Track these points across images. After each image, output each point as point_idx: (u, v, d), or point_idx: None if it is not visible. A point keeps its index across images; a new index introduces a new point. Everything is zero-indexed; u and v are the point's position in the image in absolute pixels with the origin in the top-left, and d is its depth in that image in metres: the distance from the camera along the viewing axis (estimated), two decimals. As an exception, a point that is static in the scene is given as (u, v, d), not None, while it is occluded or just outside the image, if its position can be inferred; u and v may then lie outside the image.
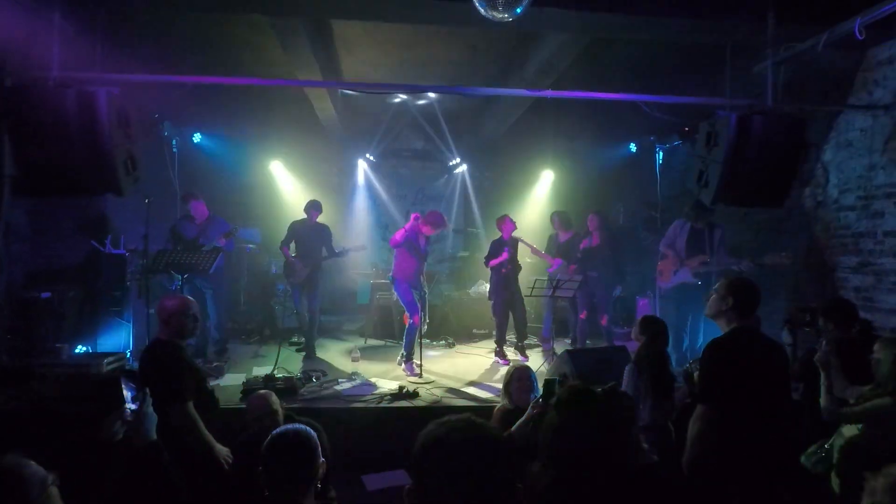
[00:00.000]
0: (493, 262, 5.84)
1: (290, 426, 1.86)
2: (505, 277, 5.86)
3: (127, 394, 1.78)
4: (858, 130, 4.57)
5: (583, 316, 5.99)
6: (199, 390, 2.83)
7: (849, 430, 2.84)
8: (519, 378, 3.03)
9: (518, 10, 2.53)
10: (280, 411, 2.81)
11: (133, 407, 1.77)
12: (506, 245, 5.87)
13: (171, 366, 2.69)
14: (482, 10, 2.57)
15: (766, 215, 5.53)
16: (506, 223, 5.91)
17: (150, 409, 1.78)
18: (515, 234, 5.96)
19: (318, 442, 1.79)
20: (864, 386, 2.90)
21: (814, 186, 5.01)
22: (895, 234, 4.21)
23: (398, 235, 5.19)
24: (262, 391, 2.93)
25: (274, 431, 1.85)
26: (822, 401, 2.83)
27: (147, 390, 1.81)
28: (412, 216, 5.19)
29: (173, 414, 2.57)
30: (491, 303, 6.06)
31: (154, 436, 1.78)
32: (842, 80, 4.71)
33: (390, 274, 5.38)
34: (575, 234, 6.31)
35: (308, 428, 1.83)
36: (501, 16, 2.57)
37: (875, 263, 4.33)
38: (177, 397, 2.63)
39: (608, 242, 5.84)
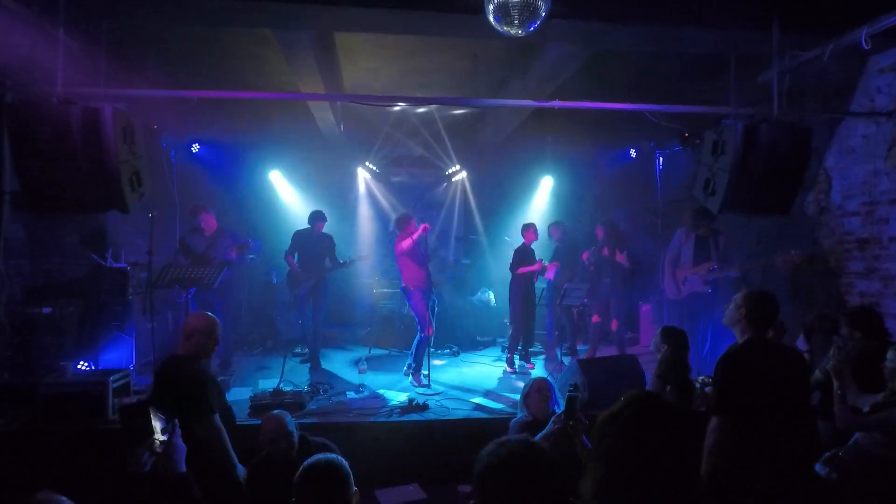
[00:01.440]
0: (524, 269, 5.90)
1: (321, 456, 1.82)
2: (529, 285, 5.89)
3: (157, 424, 1.73)
4: (861, 137, 4.60)
5: (595, 320, 6.02)
6: (220, 405, 2.78)
7: (863, 439, 2.84)
8: (539, 389, 2.98)
9: (532, 26, 2.52)
10: (295, 432, 2.76)
11: (163, 438, 1.73)
12: (532, 253, 5.96)
13: (196, 378, 2.64)
14: (496, 26, 2.56)
15: (769, 222, 5.56)
16: (531, 231, 6.03)
17: (180, 440, 1.74)
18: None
19: (349, 472, 1.76)
20: (876, 394, 2.89)
21: (817, 192, 5.04)
22: (900, 240, 4.24)
23: (405, 244, 5.16)
24: (277, 412, 2.85)
25: (305, 462, 1.81)
26: (836, 409, 2.83)
27: (177, 421, 1.77)
28: (421, 226, 5.17)
29: (201, 427, 2.52)
30: (510, 310, 6.13)
31: (183, 468, 1.74)
32: (842, 87, 4.75)
33: (402, 285, 5.31)
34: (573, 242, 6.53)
35: (339, 457, 1.79)
36: (516, 31, 2.56)
37: (881, 269, 4.36)
38: (204, 409, 2.57)
39: (614, 251, 5.90)
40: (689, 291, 5.03)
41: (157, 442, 1.71)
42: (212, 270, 4.80)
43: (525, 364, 5.88)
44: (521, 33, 2.58)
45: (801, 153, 4.01)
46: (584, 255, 6.18)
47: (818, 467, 2.97)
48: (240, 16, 3.71)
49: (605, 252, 5.94)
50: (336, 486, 1.68)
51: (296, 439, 2.76)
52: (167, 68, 5.29)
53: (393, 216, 8.79)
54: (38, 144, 3.30)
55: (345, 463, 1.77)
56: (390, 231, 5.45)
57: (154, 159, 6.22)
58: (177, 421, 1.78)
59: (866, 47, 3.49)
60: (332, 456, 1.79)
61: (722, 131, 4.00)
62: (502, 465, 1.19)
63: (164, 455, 1.71)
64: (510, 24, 2.48)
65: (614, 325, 5.95)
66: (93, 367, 4.85)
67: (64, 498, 1.43)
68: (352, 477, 1.74)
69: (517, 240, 6.33)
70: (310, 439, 2.92)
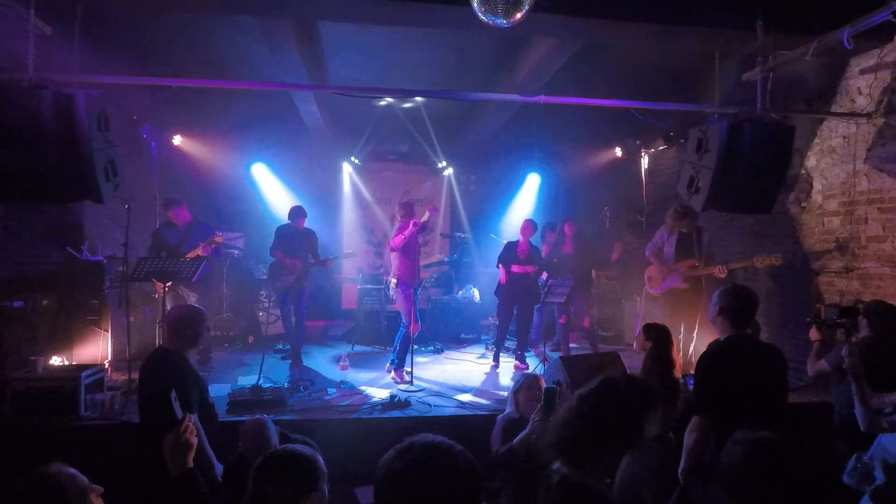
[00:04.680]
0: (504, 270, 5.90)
1: (287, 446, 1.77)
2: (510, 280, 5.86)
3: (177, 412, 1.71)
4: (841, 137, 4.65)
5: (562, 321, 6.02)
6: (202, 402, 2.71)
7: (889, 441, 2.76)
8: (529, 387, 2.95)
9: (518, 16, 2.49)
10: (275, 437, 2.65)
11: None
12: (516, 248, 5.94)
13: (178, 375, 2.57)
14: (481, 16, 2.53)
15: (752, 220, 5.61)
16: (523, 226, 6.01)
17: (190, 437, 1.70)
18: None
19: (319, 470, 1.68)
20: (888, 394, 2.80)
21: (798, 192, 5.09)
22: (878, 240, 4.29)
23: (398, 241, 5.11)
24: (257, 419, 2.71)
25: (269, 453, 1.75)
26: (859, 412, 2.70)
27: (190, 416, 1.74)
28: (411, 222, 5.11)
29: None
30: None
31: (190, 463, 1.70)
32: (824, 88, 4.80)
33: (395, 277, 5.22)
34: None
35: (307, 451, 1.72)
36: (500, 21, 2.52)
37: (860, 268, 4.41)
38: (184, 408, 2.51)
39: (578, 250, 5.95)
40: (668, 287, 5.05)
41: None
42: (190, 264, 4.70)
43: (519, 364, 5.83)
44: (506, 24, 2.55)
45: (783, 152, 4.04)
46: (545, 249, 6.18)
47: (846, 478, 2.89)
48: (220, 2, 3.63)
49: (569, 248, 5.96)
50: (290, 479, 1.61)
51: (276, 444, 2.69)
52: (147, 57, 5.17)
53: (378, 211, 8.77)
54: (6, 130, 3.19)
55: (309, 457, 1.69)
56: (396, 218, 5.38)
57: (133, 150, 6.10)
58: (193, 416, 1.74)
59: (848, 47, 3.52)
60: (297, 447, 1.73)
61: (706, 129, 4.02)
62: (400, 476, 1.05)
63: (173, 448, 1.68)
64: (494, 13, 2.45)
65: (586, 322, 5.96)
66: (66, 363, 4.72)
67: (75, 472, 1.46)
68: (316, 472, 1.66)
69: (504, 237, 6.31)
70: (291, 437, 2.86)
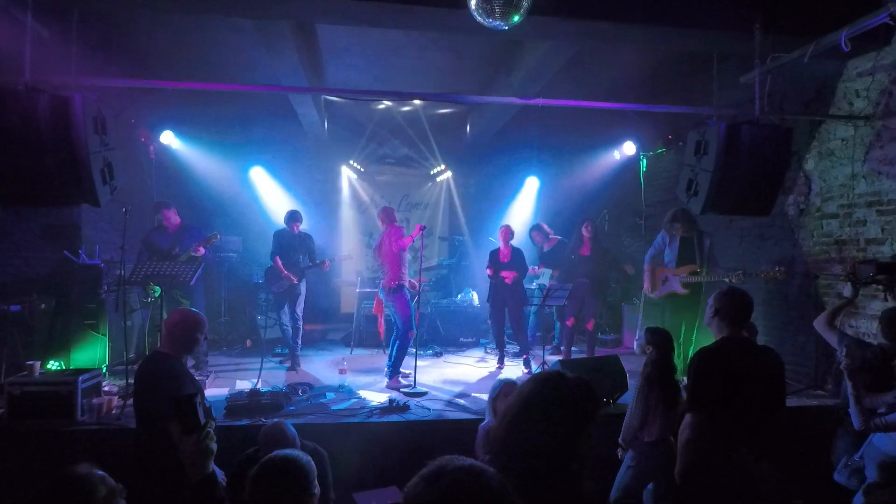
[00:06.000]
0: (490, 271, 5.97)
1: (280, 452, 1.76)
2: (496, 284, 5.90)
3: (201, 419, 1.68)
4: (840, 140, 4.65)
5: (570, 323, 5.99)
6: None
7: (881, 441, 2.78)
8: (507, 393, 2.88)
9: (515, 19, 2.48)
10: (296, 439, 2.69)
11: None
12: (498, 254, 5.96)
13: (173, 378, 2.56)
14: (479, 19, 2.52)
15: (750, 223, 5.60)
16: (500, 232, 6.06)
17: (211, 443, 1.68)
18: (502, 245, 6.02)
19: (312, 471, 1.67)
20: (882, 394, 2.83)
21: (797, 194, 5.09)
22: (878, 242, 4.29)
23: (407, 241, 5.14)
24: (275, 421, 2.78)
25: (263, 459, 1.75)
26: (852, 411, 2.77)
27: (211, 423, 1.72)
28: (417, 227, 5.18)
29: (173, 429, 2.44)
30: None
31: (210, 469, 1.68)
32: (822, 91, 4.81)
33: (396, 282, 5.18)
34: (560, 242, 6.55)
35: (302, 455, 1.71)
36: (498, 24, 2.52)
37: (859, 270, 4.40)
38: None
39: (597, 253, 5.92)
40: (669, 291, 5.03)
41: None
42: (187, 267, 4.68)
43: (524, 368, 5.80)
44: (503, 26, 2.54)
45: (781, 154, 4.04)
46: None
47: (837, 476, 2.92)
48: (216, 3, 3.62)
49: (588, 250, 5.93)
50: (288, 486, 1.60)
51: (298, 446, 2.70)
52: (144, 60, 5.16)
53: (376, 215, 8.75)
54: (2, 133, 3.17)
55: (304, 463, 1.68)
56: (383, 226, 5.41)
57: (131, 153, 6.10)
58: (211, 423, 1.72)
59: (846, 49, 3.52)
60: (293, 453, 1.72)
61: (705, 132, 4.01)
62: None
63: (193, 454, 1.65)
64: (492, 15, 2.44)
65: (590, 324, 5.94)
66: (63, 367, 4.70)
67: (104, 473, 1.48)
68: (312, 476, 1.65)
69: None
70: (303, 442, 2.86)
